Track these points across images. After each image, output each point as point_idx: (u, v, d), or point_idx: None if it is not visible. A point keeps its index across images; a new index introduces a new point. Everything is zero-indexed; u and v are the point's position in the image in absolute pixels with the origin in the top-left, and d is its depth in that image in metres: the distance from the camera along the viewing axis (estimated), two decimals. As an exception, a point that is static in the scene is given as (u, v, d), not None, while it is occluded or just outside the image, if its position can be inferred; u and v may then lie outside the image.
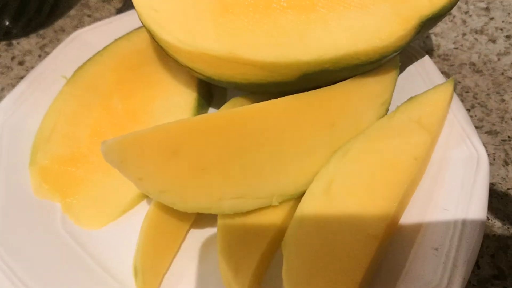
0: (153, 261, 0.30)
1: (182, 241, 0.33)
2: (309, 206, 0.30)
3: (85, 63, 0.39)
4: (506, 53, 0.46)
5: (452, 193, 0.32)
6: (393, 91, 0.36)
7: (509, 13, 0.50)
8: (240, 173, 0.30)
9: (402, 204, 0.31)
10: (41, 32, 0.48)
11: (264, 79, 0.33)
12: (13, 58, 0.47)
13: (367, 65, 0.34)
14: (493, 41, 0.47)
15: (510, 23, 0.49)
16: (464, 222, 0.31)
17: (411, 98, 0.35)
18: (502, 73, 0.45)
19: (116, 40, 0.41)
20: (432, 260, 0.30)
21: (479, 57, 0.46)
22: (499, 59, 0.46)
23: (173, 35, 0.33)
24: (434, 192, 0.33)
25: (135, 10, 0.34)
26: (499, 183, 0.38)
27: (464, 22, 0.49)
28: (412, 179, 0.31)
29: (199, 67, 0.33)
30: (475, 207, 0.31)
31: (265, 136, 0.31)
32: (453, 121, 0.35)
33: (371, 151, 0.32)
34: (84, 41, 0.42)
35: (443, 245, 0.30)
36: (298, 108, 0.33)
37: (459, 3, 0.50)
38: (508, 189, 0.37)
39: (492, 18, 0.49)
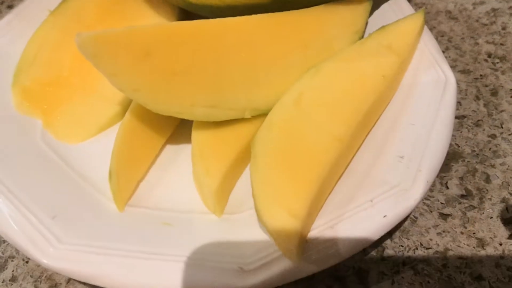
0: (127, 165, 0.31)
1: (158, 154, 0.34)
2: (278, 114, 0.31)
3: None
4: (481, 3, 0.48)
5: (419, 110, 0.33)
6: (366, 21, 0.38)
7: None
8: (212, 82, 0.31)
9: (370, 116, 0.33)
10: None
11: (239, 1, 0.34)
12: (2, 2, 0.48)
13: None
14: (469, -9, 0.49)
15: (486, -24, 0.50)
16: (429, 134, 0.32)
17: (383, 26, 0.37)
18: (477, 20, 0.46)
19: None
20: (397, 166, 0.31)
21: (455, 6, 0.47)
22: (474, 8, 0.47)
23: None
24: (402, 110, 0.34)
25: None
26: (470, 115, 0.39)
27: (442, -26, 0.50)
28: (379, 94, 0.33)
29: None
30: (441, 122, 0.32)
31: (238, 49, 0.32)
32: (423, 49, 0.37)
33: (341, 69, 0.34)
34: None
35: (408, 154, 0.31)
36: (272, 27, 0.34)
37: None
38: (478, 120, 0.39)
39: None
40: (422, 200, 0.32)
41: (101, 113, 0.35)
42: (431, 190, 0.35)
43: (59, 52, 0.38)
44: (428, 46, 0.37)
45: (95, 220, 0.30)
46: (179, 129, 0.35)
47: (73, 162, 0.33)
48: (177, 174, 0.33)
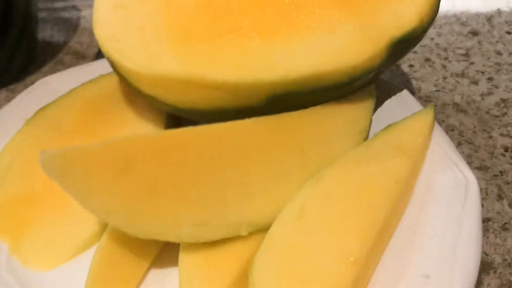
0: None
1: (141, 281, 0.29)
2: (279, 231, 0.27)
3: (48, 105, 0.37)
4: (490, 94, 0.45)
5: (439, 219, 0.29)
6: (370, 120, 0.34)
7: (488, 58, 0.49)
8: (200, 197, 0.27)
9: (385, 231, 0.28)
10: (11, 86, 0.47)
11: (229, 104, 0.31)
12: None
13: (337, 89, 0.32)
14: (475, 83, 0.46)
15: (490, 66, 0.48)
16: (455, 247, 0.27)
17: (389, 125, 0.33)
18: (487, 112, 0.43)
19: (83, 84, 0.39)
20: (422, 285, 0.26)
21: (462, 98, 0.44)
22: (482, 99, 0.44)
23: (133, 61, 0.31)
24: (420, 220, 0.30)
25: (97, 40, 0.33)
26: (495, 217, 0.35)
27: (444, 67, 0.48)
28: (393, 203, 0.28)
29: (160, 94, 0.32)
30: (467, 232, 0.28)
31: (228, 159, 0.29)
32: (436, 148, 0.33)
33: (347, 176, 0.30)
34: (51, 87, 0.41)
35: (434, 273, 0.26)
36: (265, 131, 0.30)
37: (438, 50, 0.50)
38: (505, 223, 0.34)
39: (472, 63, 0.48)
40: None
41: (76, 234, 0.31)
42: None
43: (33, 165, 0.34)
44: (440, 144, 0.33)
45: None
46: (165, 250, 0.31)
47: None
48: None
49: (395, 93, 0.38)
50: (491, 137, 0.41)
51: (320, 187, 0.29)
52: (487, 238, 0.34)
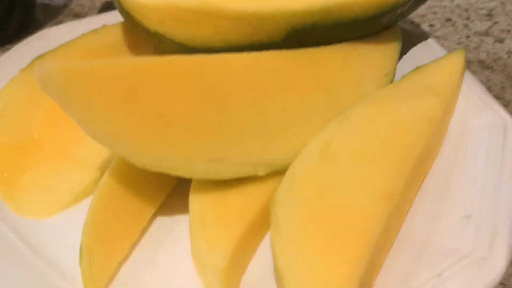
0: (104, 240, 0.24)
1: (146, 227, 0.26)
2: (301, 167, 0.24)
3: (46, 53, 0.34)
4: (517, 51, 0.42)
5: (479, 160, 0.27)
6: (396, 63, 0.32)
7: (513, 18, 0.46)
8: (215, 131, 0.24)
9: (419, 170, 0.25)
10: (7, 46, 0.44)
11: (246, 39, 0.28)
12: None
13: (362, 24, 0.29)
14: (500, 41, 0.43)
15: (516, 25, 0.45)
16: (499, 187, 0.25)
17: (418, 67, 0.31)
18: (516, 68, 0.40)
19: (84, 33, 0.36)
20: (465, 229, 0.23)
21: (487, 55, 0.42)
22: (509, 57, 0.41)
23: (142, -6, 0.28)
24: (457, 160, 0.27)
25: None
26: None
27: (466, 26, 0.45)
28: (427, 141, 0.26)
29: (170, 31, 0.29)
30: (510, 172, 0.25)
31: (247, 91, 0.26)
32: (469, 92, 0.30)
33: (377, 114, 0.27)
34: (51, 38, 0.38)
35: (476, 212, 0.24)
36: (288, 66, 0.28)
37: (459, 10, 0.47)
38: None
39: (496, 22, 0.46)
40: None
41: (74, 180, 0.28)
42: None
43: (29, 110, 0.31)
44: (473, 89, 0.31)
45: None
46: (173, 195, 0.28)
47: (36, 243, 0.26)
48: (170, 253, 0.25)
49: (420, 42, 0.35)
50: (521, 91, 0.38)
51: (347, 124, 0.26)
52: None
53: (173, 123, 0.23)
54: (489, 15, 0.47)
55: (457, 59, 0.31)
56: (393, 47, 0.32)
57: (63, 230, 0.27)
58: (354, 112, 0.27)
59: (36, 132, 0.31)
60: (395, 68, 0.31)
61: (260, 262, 0.24)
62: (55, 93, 0.21)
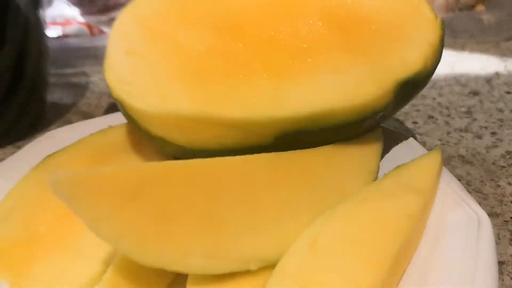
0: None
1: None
2: (291, 261, 0.26)
3: (55, 152, 0.37)
4: (494, 146, 0.45)
5: (455, 253, 0.28)
6: (379, 161, 0.34)
7: (490, 115, 0.50)
8: (210, 229, 0.27)
9: (399, 264, 0.27)
10: (18, 144, 0.47)
11: (240, 142, 0.31)
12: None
13: (346, 128, 0.32)
14: (479, 137, 0.46)
15: (493, 122, 0.48)
16: (472, 280, 0.26)
17: (399, 166, 0.33)
18: (494, 163, 0.43)
19: (91, 134, 0.40)
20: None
21: (467, 151, 0.45)
22: (488, 152, 0.44)
23: (144, 101, 0.32)
24: (434, 255, 0.29)
25: (107, 84, 0.34)
26: (509, 261, 0.34)
27: (447, 123, 0.49)
28: (407, 236, 0.28)
29: (170, 135, 0.32)
30: (483, 264, 0.27)
31: (238, 192, 0.28)
32: (446, 189, 0.33)
33: (360, 211, 0.29)
34: (58, 138, 0.41)
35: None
36: (277, 167, 0.30)
37: (440, 108, 0.51)
38: (521, 267, 0.33)
39: (474, 119, 0.49)
40: None
41: (80, 273, 0.30)
42: None
43: (38, 209, 0.34)
44: (450, 186, 0.33)
45: None
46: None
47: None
48: None
49: (401, 141, 0.38)
50: (499, 186, 0.40)
51: (333, 221, 0.28)
52: (502, 280, 0.32)
53: (171, 221, 0.26)
54: (468, 112, 0.50)
55: (434, 158, 0.34)
56: (375, 148, 0.35)
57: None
58: (339, 209, 0.29)
59: (44, 228, 0.33)
60: (378, 166, 0.34)
61: None
62: (65, 197, 0.23)
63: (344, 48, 0.33)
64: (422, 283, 0.27)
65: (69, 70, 0.59)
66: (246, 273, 0.27)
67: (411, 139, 0.39)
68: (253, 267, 0.27)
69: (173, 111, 0.31)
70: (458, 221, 0.30)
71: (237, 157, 0.30)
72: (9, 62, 0.45)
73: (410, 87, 0.33)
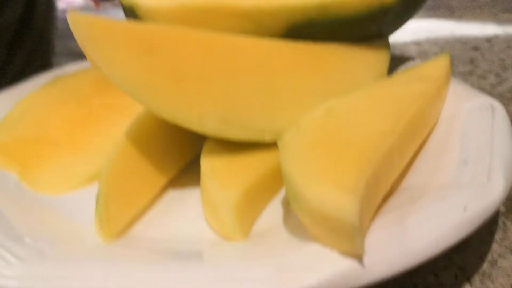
0: (120, 190, 0.25)
1: (159, 196, 0.27)
2: (307, 120, 0.26)
3: (65, 76, 0.37)
4: (499, 84, 0.45)
5: (472, 130, 0.28)
6: (387, 66, 0.34)
7: (493, 62, 0.50)
8: (226, 96, 0.26)
9: (415, 126, 0.27)
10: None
11: (250, 35, 0.31)
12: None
13: (356, 24, 0.32)
14: (484, 78, 0.47)
15: (496, 67, 0.49)
16: (491, 142, 0.26)
17: (408, 67, 0.33)
18: (501, 95, 0.43)
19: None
20: (464, 169, 0.24)
21: (472, 87, 0.45)
22: (493, 88, 0.45)
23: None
24: (453, 126, 0.29)
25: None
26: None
27: (452, 70, 0.49)
28: (420, 106, 0.28)
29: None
30: (500, 135, 0.27)
31: (254, 69, 0.28)
32: (457, 86, 0.33)
33: (374, 92, 0.29)
34: (68, 70, 0.41)
35: (473, 159, 0.25)
36: (291, 53, 0.30)
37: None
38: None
39: (477, 66, 0.50)
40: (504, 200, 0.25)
41: (87, 164, 0.30)
42: (503, 230, 0.28)
43: (47, 117, 0.34)
44: (461, 85, 0.33)
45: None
46: (184, 175, 0.29)
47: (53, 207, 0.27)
48: (182, 214, 0.26)
49: (408, 60, 0.39)
50: (508, 110, 0.40)
51: (347, 98, 0.28)
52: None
53: (187, 81, 0.26)
54: (471, 61, 0.51)
55: (443, 58, 0.34)
56: (384, 53, 0.35)
57: (78, 204, 0.27)
58: (352, 92, 0.29)
59: (53, 131, 0.33)
60: (386, 70, 0.34)
61: (273, 212, 0.25)
62: (82, 37, 0.23)
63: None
64: (442, 146, 0.27)
65: (75, 43, 0.60)
66: (263, 145, 0.27)
67: (417, 60, 0.39)
68: (267, 138, 0.27)
69: (181, 3, 0.31)
70: (472, 107, 0.30)
71: (254, 39, 0.30)
72: (17, 13, 0.46)
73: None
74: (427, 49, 0.55)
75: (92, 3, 0.62)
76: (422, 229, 0.20)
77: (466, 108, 0.30)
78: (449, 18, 0.66)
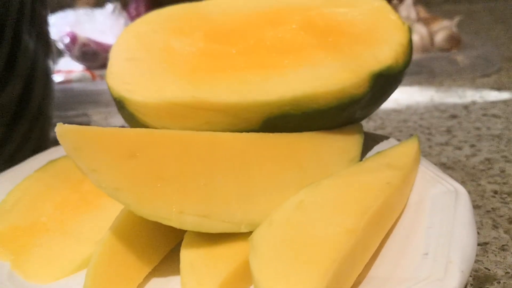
0: (107, 281, 0.26)
1: (141, 284, 0.29)
2: (279, 214, 0.28)
3: (58, 158, 0.40)
4: (474, 155, 0.48)
5: (435, 217, 0.30)
6: (360, 151, 0.37)
7: (469, 132, 0.53)
8: (203, 193, 0.29)
9: (379, 221, 0.29)
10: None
11: (230, 128, 0.34)
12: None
13: (328, 114, 0.35)
14: (459, 149, 0.49)
15: (471, 137, 0.51)
16: (451, 232, 0.28)
17: (378, 152, 0.36)
18: (473, 168, 0.45)
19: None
20: (424, 262, 0.26)
21: (448, 159, 0.47)
22: (467, 159, 0.47)
23: (142, 95, 0.35)
24: (416, 220, 0.31)
25: (108, 86, 0.37)
26: (493, 242, 0.35)
27: (428, 139, 0.51)
28: (386, 199, 0.30)
29: (166, 124, 0.34)
30: (461, 223, 0.29)
31: (230, 163, 0.31)
32: (425, 171, 0.35)
33: (343, 182, 0.31)
34: (62, 152, 0.43)
35: (433, 250, 0.27)
36: (266, 145, 0.33)
37: (422, 129, 0.54)
38: (503, 245, 0.35)
39: (454, 136, 0.52)
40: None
41: (77, 252, 0.31)
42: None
43: (40, 202, 0.36)
44: (429, 168, 0.35)
45: None
46: (166, 261, 0.31)
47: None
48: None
49: (382, 140, 0.41)
50: (479, 184, 0.42)
51: (318, 189, 0.30)
52: (487, 257, 0.34)
53: (167, 181, 0.28)
54: (448, 130, 0.53)
55: (412, 143, 0.36)
56: (357, 138, 0.37)
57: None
58: (324, 181, 0.31)
59: (44, 218, 0.34)
60: (360, 155, 0.36)
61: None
62: (69, 147, 0.26)
63: (322, 48, 0.37)
64: (406, 237, 0.29)
65: (72, 112, 0.63)
66: (238, 235, 0.29)
67: (391, 139, 0.41)
68: (244, 229, 0.29)
69: (167, 99, 0.34)
70: (437, 193, 0.33)
71: (230, 133, 0.32)
72: (16, 92, 0.48)
73: (384, 80, 0.36)
74: (407, 118, 0.57)
75: (88, 74, 0.65)
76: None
77: (432, 194, 0.33)
78: (430, 84, 0.69)
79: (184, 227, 0.27)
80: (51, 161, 0.39)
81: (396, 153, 0.35)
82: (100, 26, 0.75)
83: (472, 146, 0.50)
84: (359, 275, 0.27)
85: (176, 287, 0.29)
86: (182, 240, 0.29)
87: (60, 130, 0.26)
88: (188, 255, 0.27)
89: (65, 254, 0.32)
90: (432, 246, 0.27)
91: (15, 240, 0.32)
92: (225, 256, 0.28)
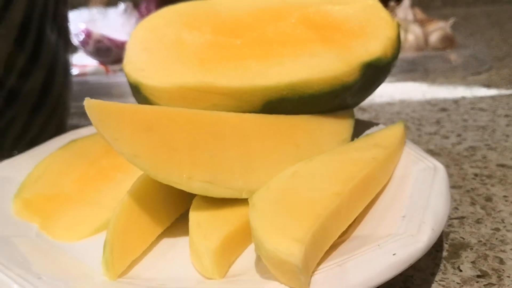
0: (124, 239, 0.30)
1: (155, 242, 0.33)
2: (275, 181, 0.32)
3: (79, 138, 0.44)
4: (459, 143, 0.51)
5: (416, 187, 0.34)
6: (351, 132, 0.41)
7: (456, 123, 0.56)
8: (210, 162, 0.33)
9: (366, 186, 0.33)
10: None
11: (233, 110, 0.38)
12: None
13: (321, 99, 0.39)
14: (446, 137, 0.53)
15: (458, 128, 0.55)
16: (427, 199, 0.32)
17: (367, 134, 0.40)
18: (458, 154, 0.49)
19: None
20: (400, 222, 0.30)
21: (435, 146, 0.51)
22: (453, 147, 0.51)
23: (156, 80, 0.39)
24: (399, 191, 0.35)
25: (125, 73, 0.41)
26: (469, 216, 0.39)
27: (418, 129, 0.55)
28: (371, 171, 0.34)
29: (177, 105, 0.39)
30: (437, 191, 0.33)
31: (235, 139, 0.35)
32: (409, 151, 0.39)
33: (333, 158, 0.35)
34: (82, 133, 0.48)
35: (409, 213, 0.31)
36: (265, 125, 0.37)
37: (413, 120, 0.58)
38: (478, 219, 0.39)
39: (442, 126, 0.56)
40: (430, 247, 0.30)
41: (96, 217, 0.36)
42: (444, 272, 0.33)
43: (62, 176, 0.40)
44: (413, 149, 0.39)
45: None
46: (177, 224, 0.35)
47: (67, 252, 0.32)
48: (174, 256, 0.32)
49: (372, 126, 0.45)
50: (462, 168, 0.46)
51: (311, 163, 0.34)
52: (463, 228, 0.38)
53: (179, 151, 0.32)
54: (437, 122, 0.57)
55: (398, 127, 0.40)
56: (348, 121, 0.41)
57: (88, 249, 0.33)
58: (316, 157, 0.35)
59: (67, 188, 0.39)
60: (350, 137, 0.40)
61: (247, 257, 0.31)
62: (95, 119, 0.30)
63: (319, 40, 0.41)
64: (389, 203, 0.33)
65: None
66: (241, 201, 0.33)
67: (381, 125, 0.45)
68: (244, 196, 0.33)
69: (178, 84, 0.38)
70: (419, 169, 0.37)
71: (234, 113, 0.36)
72: (39, 82, 0.53)
73: (373, 70, 0.40)
74: (400, 110, 0.61)
75: (103, 68, 0.70)
76: (358, 270, 0.26)
77: (415, 170, 0.37)
78: (424, 80, 0.73)
79: (192, 191, 0.31)
80: (72, 141, 0.43)
81: (382, 135, 0.39)
82: (113, 24, 0.79)
83: (459, 135, 0.53)
84: (345, 234, 0.31)
85: (184, 245, 0.33)
86: (190, 207, 0.33)
87: (88, 104, 0.30)
88: (196, 216, 0.31)
89: (86, 218, 0.36)
90: (410, 210, 0.31)
91: (42, 207, 0.37)
92: (228, 217, 0.32)
